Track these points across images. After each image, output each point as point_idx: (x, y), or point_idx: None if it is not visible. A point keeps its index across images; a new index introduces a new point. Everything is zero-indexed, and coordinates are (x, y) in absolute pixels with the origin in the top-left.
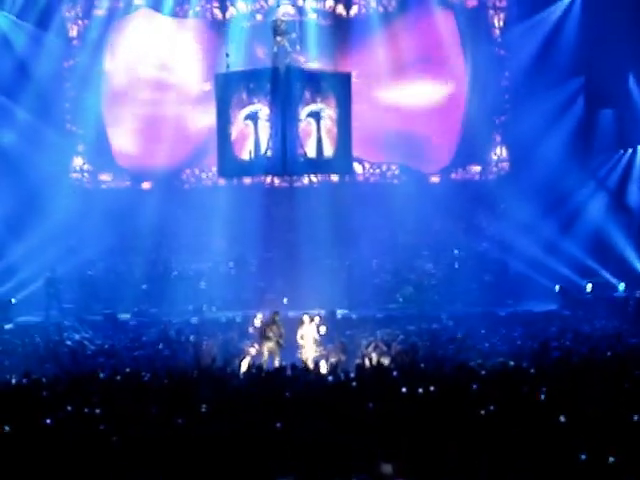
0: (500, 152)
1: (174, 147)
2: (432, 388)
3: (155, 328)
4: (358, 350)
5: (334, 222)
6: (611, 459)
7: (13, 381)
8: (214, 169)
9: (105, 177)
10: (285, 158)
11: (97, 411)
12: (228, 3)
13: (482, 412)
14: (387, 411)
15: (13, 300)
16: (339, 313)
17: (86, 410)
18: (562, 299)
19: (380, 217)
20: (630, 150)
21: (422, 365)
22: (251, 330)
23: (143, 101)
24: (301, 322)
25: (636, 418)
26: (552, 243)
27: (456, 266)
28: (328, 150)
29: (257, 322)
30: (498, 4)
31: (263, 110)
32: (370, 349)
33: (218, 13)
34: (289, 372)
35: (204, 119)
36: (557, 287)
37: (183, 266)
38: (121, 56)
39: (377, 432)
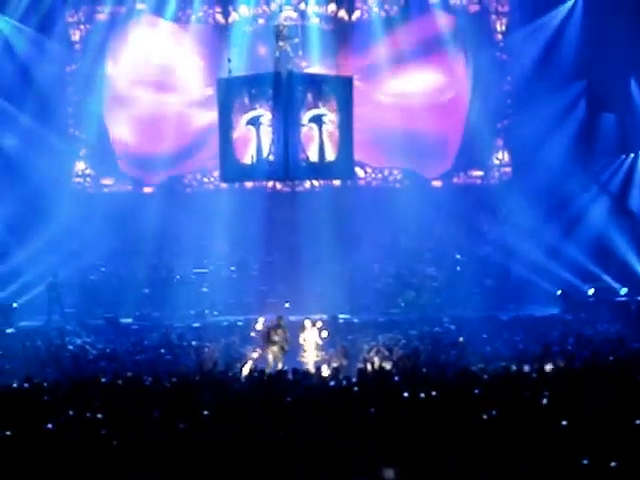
0: (502, 156)
1: (176, 151)
2: (434, 393)
3: (157, 332)
4: (360, 355)
5: (336, 226)
6: (613, 464)
7: (14, 385)
8: (216, 174)
9: (107, 181)
10: (287, 163)
11: (99, 416)
12: (230, 8)
13: (484, 417)
14: (389, 416)
15: (15, 304)
16: (341, 317)
17: (88, 415)
18: (564, 303)
19: (382, 221)
20: (632, 154)
21: (424, 370)
22: (253, 334)
23: (145, 106)
24: (303, 326)
25: (638, 422)
26: (554, 247)
27: (458, 270)
28: (330, 155)
29: (259, 326)
30: (500, 9)
31: (265, 115)
32: (372, 354)
33: (220, 18)
34: (291, 376)
35: (206, 124)
36: (559, 291)
37: (185, 270)
38: (123, 61)
39: (379, 437)
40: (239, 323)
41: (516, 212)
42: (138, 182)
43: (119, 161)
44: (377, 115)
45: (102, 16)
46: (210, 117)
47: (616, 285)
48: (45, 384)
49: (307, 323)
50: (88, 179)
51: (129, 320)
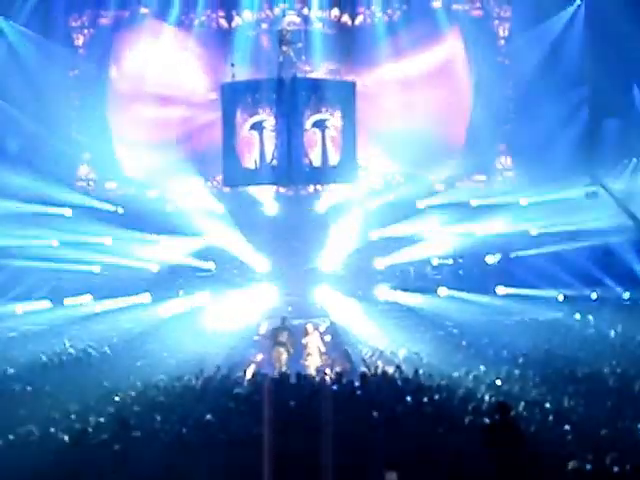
0: (505, 161)
1: (179, 155)
2: (437, 397)
3: (159, 336)
4: (362, 359)
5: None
6: (616, 469)
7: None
8: (219, 178)
9: (111, 185)
10: (290, 167)
11: (101, 419)
12: (234, 13)
13: (486, 421)
14: (391, 419)
15: (17, 309)
16: (344, 321)
17: (90, 418)
18: (567, 307)
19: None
20: (634, 159)
21: (427, 374)
22: (256, 338)
23: (148, 110)
24: (306, 330)
25: None
26: (557, 251)
27: (460, 273)
28: (333, 159)
29: (262, 330)
30: (503, 14)
31: (268, 120)
32: (375, 358)
33: (224, 23)
34: (293, 380)
35: (209, 128)
36: (561, 296)
37: (188, 274)
38: (127, 65)
39: (381, 440)
40: (242, 327)
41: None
42: (141, 186)
43: (123, 165)
44: (380, 119)
45: (105, 20)
46: (213, 121)
47: (619, 289)
48: (47, 388)
49: (310, 327)
50: (91, 183)
51: (131, 324)
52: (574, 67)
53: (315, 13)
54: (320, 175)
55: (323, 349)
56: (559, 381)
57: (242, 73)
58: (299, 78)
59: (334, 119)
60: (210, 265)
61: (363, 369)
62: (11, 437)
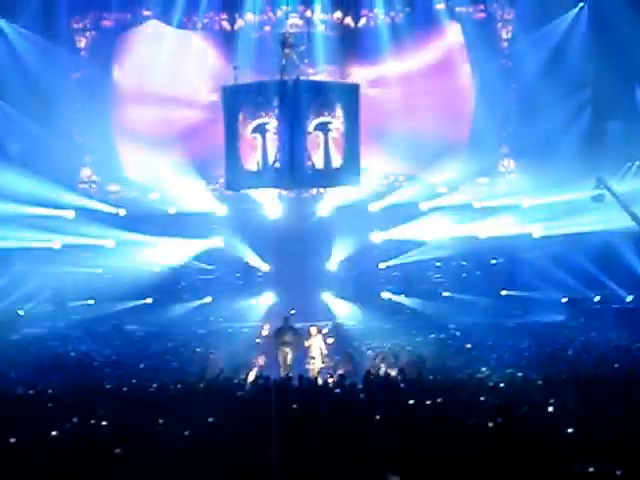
0: (508, 163)
1: (181, 158)
2: (439, 400)
3: (162, 339)
4: (365, 361)
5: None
6: (618, 472)
7: (19, 392)
8: (221, 180)
9: (113, 188)
10: (293, 170)
11: (103, 423)
12: (236, 15)
13: (490, 424)
14: (394, 423)
15: (20, 312)
16: (347, 324)
17: (92, 422)
18: (570, 310)
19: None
20: (637, 162)
21: (430, 377)
22: (259, 341)
23: (151, 112)
24: (309, 333)
25: None
26: (560, 254)
27: (464, 276)
28: (336, 162)
29: (264, 332)
30: (505, 16)
31: (271, 123)
32: (378, 360)
33: (226, 25)
34: (296, 383)
35: (212, 131)
36: (564, 298)
37: (190, 276)
38: (129, 67)
39: (384, 443)
40: (245, 330)
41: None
42: (144, 188)
43: (125, 167)
44: (383, 121)
45: (108, 23)
46: (216, 123)
47: (622, 292)
48: (50, 391)
49: (313, 330)
50: (94, 185)
51: (134, 327)
52: (577, 69)
53: (318, 15)
54: (323, 178)
55: (326, 352)
56: (562, 384)
57: (244, 75)
58: (302, 81)
59: (337, 122)
60: (212, 268)
61: (366, 372)
62: (12, 440)
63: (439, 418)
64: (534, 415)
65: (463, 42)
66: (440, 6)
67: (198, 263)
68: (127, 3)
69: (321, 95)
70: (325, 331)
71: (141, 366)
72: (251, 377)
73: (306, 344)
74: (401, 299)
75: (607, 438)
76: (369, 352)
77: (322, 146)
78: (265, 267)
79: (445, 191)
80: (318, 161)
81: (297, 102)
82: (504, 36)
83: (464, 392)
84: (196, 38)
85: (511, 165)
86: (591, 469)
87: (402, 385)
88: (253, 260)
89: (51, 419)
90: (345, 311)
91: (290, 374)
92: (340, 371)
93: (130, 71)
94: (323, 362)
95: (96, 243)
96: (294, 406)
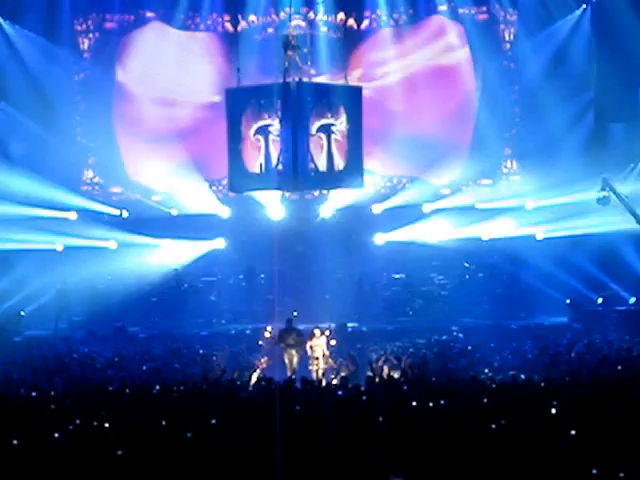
0: (511, 165)
1: (184, 159)
2: (442, 402)
3: (165, 341)
4: (368, 363)
5: (344, 234)
6: (621, 474)
7: (22, 394)
8: (224, 182)
9: (116, 189)
10: (296, 173)
11: (106, 425)
12: (239, 16)
13: (493, 426)
14: (397, 425)
15: (23, 313)
16: (349, 326)
17: (95, 424)
18: (573, 312)
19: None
20: None
21: (432, 378)
22: (261, 343)
23: (154, 114)
24: (311, 335)
25: None
26: (563, 256)
27: (467, 277)
28: (339, 164)
29: (267, 333)
30: (508, 18)
31: (274, 125)
32: (380, 362)
33: (229, 26)
34: (299, 385)
35: (215, 132)
36: (567, 300)
37: (193, 278)
38: (132, 69)
39: (387, 445)
40: (247, 331)
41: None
42: (146, 190)
43: (128, 169)
44: (385, 124)
45: (111, 25)
46: (218, 125)
47: (625, 294)
48: (52, 393)
49: (316, 332)
50: (96, 187)
51: (137, 328)
52: (580, 71)
53: (321, 17)
54: (326, 180)
55: (329, 354)
56: (564, 386)
57: (247, 77)
58: (305, 83)
59: (340, 124)
60: (215, 270)
61: (369, 374)
62: (15, 442)
63: (442, 420)
64: (537, 417)
65: (466, 44)
66: (443, 8)
67: (201, 265)
68: (130, 5)
69: (324, 97)
70: (328, 333)
71: (144, 368)
72: (254, 379)
73: (309, 346)
74: (404, 301)
75: (610, 440)
76: (372, 354)
77: (325, 148)
78: (268, 269)
79: (448, 193)
80: (321, 163)
81: (300, 104)
82: (507, 38)
83: (467, 394)
84: (199, 40)
85: (514, 167)
86: (595, 471)
87: (405, 387)
88: (256, 262)
89: (53, 421)
90: (348, 313)
91: (294, 376)
92: (343, 373)
93: (133, 73)
94: (326, 364)
95: (99, 245)
96: (297, 408)
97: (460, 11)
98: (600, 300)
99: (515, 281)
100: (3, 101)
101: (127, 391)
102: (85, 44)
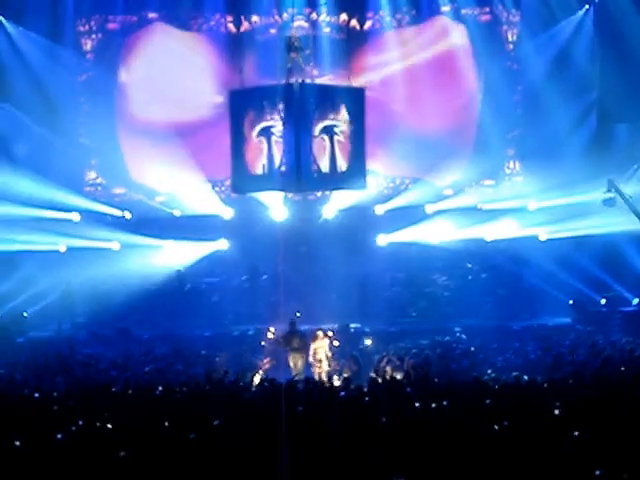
0: (513, 166)
1: (187, 160)
2: (445, 402)
3: (168, 341)
4: (371, 364)
5: (347, 235)
6: (625, 475)
7: (25, 394)
8: (227, 183)
9: (119, 191)
10: (299, 174)
11: (109, 425)
12: (242, 17)
13: (496, 427)
14: (400, 426)
15: (26, 314)
16: (352, 327)
17: (98, 424)
18: (576, 313)
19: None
20: None
21: (435, 379)
22: (264, 344)
23: (156, 114)
24: (314, 336)
25: None
26: (566, 257)
27: (469, 278)
28: (342, 165)
29: (270, 335)
30: (511, 19)
31: (277, 126)
32: (383, 363)
33: (232, 27)
34: (302, 386)
35: (218, 133)
36: (570, 301)
37: (196, 279)
38: (135, 70)
39: (390, 447)
40: (250, 332)
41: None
42: (149, 191)
43: (131, 170)
44: (388, 125)
45: (113, 25)
46: (221, 126)
47: (628, 295)
48: (55, 394)
49: (319, 333)
50: (99, 188)
51: (140, 329)
52: (583, 72)
53: (324, 18)
54: (329, 181)
55: (331, 355)
56: (568, 387)
57: (250, 78)
58: (307, 84)
59: (343, 125)
60: (218, 271)
61: (371, 375)
62: (18, 443)
63: (444, 421)
64: (540, 418)
65: (469, 44)
66: (446, 8)
67: (204, 266)
68: (133, 6)
69: (327, 98)
70: (331, 334)
71: (146, 369)
72: (257, 380)
73: (312, 347)
74: (406, 301)
75: (613, 441)
76: (374, 355)
77: (328, 149)
78: (271, 270)
79: (451, 193)
80: (324, 164)
81: (303, 106)
82: (510, 38)
83: (470, 395)
84: (202, 41)
85: (517, 167)
86: (598, 472)
87: (407, 388)
88: (259, 263)
89: (56, 421)
90: (351, 314)
91: (296, 378)
92: (345, 374)
93: (136, 74)
94: (329, 365)
95: (102, 246)
96: (300, 409)
97: (463, 12)
98: (603, 301)
99: (518, 282)
100: (6, 102)
101: (130, 392)
102: (88, 45)
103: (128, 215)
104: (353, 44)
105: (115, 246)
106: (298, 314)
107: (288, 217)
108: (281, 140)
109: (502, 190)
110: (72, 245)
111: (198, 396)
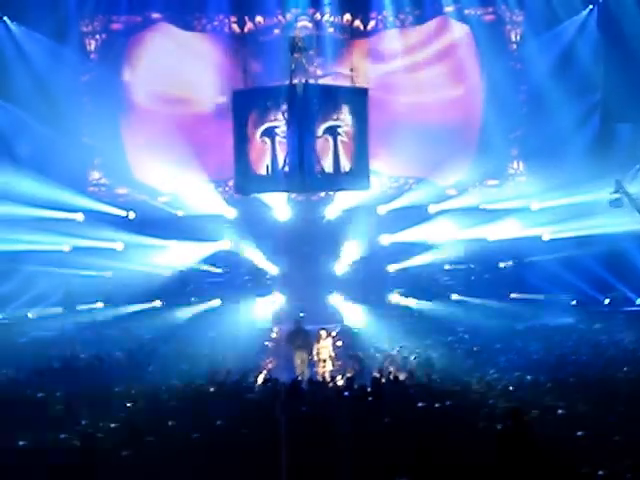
0: (517, 166)
1: (191, 160)
2: (448, 402)
3: (171, 342)
4: (374, 364)
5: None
6: (629, 475)
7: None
8: (231, 183)
9: (122, 190)
10: (303, 174)
11: (112, 425)
12: (246, 18)
13: (498, 427)
14: (403, 425)
15: (29, 314)
16: (355, 327)
17: (100, 424)
18: (579, 313)
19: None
20: None
21: (438, 380)
22: (267, 343)
23: (160, 115)
24: (318, 336)
25: None
26: (569, 257)
27: (472, 279)
28: (345, 166)
29: (274, 335)
30: (515, 19)
31: (280, 127)
32: (386, 363)
33: (236, 28)
34: (305, 386)
35: (221, 133)
36: (574, 301)
37: (199, 279)
38: (139, 70)
39: (392, 446)
40: (253, 332)
41: None
42: (153, 191)
43: (134, 170)
44: (391, 125)
45: (117, 26)
46: (225, 127)
47: (631, 295)
48: (58, 394)
49: (322, 333)
50: (103, 188)
51: (143, 329)
52: (586, 72)
53: (327, 18)
54: (332, 182)
55: (335, 354)
56: (571, 387)
57: (254, 78)
58: (311, 85)
59: (346, 125)
60: (221, 271)
61: (375, 375)
62: (22, 443)
63: (448, 421)
64: (543, 418)
65: (472, 44)
66: (449, 8)
67: (207, 266)
68: (136, 6)
69: (330, 99)
70: (334, 334)
71: (150, 369)
72: (260, 380)
73: (316, 347)
74: (410, 302)
75: (616, 441)
76: (378, 355)
77: (331, 150)
78: (274, 270)
79: (454, 193)
80: (327, 165)
81: (306, 106)
82: (513, 38)
83: (473, 395)
84: (206, 41)
85: (520, 167)
86: (601, 472)
87: (411, 388)
88: (262, 263)
89: (60, 421)
90: (354, 314)
91: (300, 377)
92: (349, 374)
93: (139, 74)
94: (332, 365)
95: (105, 246)
96: (303, 408)
97: (466, 12)
98: (607, 301)
99: (521, 282)
100: (10, 102)
101: (133, 392)
102: (92, 45)
103: (132, 215)
104: (356, 44)
105: (119, 246)
106: (302, 314)
107: (291, 217)
108: (285, 140)
109: (505, 190)
110: (76, 245)
111: (201, 396)
